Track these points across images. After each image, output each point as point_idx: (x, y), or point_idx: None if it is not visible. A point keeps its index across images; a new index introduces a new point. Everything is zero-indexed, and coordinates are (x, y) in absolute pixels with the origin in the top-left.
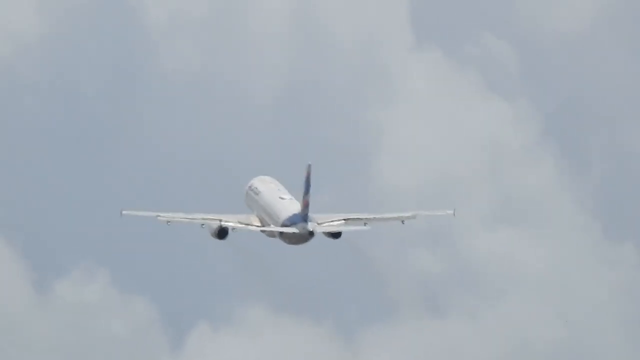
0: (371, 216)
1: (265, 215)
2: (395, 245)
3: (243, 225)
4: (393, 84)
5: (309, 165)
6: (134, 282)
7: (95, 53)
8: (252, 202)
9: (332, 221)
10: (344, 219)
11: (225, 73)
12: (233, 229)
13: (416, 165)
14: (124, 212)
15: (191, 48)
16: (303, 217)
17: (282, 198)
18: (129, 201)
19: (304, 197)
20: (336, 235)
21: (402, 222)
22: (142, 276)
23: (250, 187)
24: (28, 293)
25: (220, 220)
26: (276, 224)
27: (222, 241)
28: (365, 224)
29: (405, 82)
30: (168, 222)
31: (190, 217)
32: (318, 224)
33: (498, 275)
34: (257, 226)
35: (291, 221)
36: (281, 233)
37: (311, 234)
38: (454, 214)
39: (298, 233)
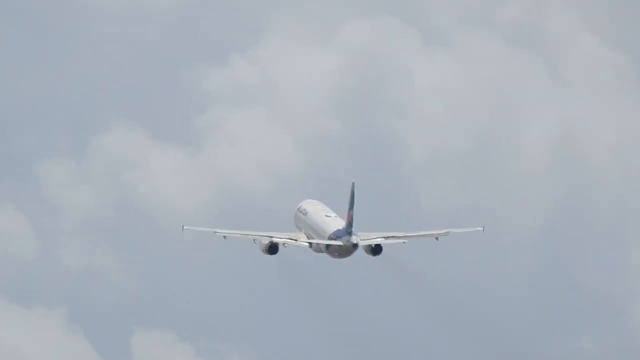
0: (408, 234)
1: (313, 232)
2: None
3: (292, 241)
4: None
5: (353, 184)
6: None
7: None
8: (300, 222)
9: (372, 238)
10: (384, 237)
11: (486, 209)
12: (284, 244)
13: None
14: (185, 227)
15: (453, 185)
16: (347, 231)
17: (327, 216)
18: None
19: (348, 212)
20: (376, 250)
21: (436, 238)
22: None
23: (298, 209)
24: None
25: (271, 237)
26: (322, 239)
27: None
28: (404, 242)
29: None
30: (224, 237)
31: (244, 233)
32: (361, 239)
33: None
34: (305, 241)
35: (336, 235)
36: (327, 246)
37: (355, 246)
38: (483, 231)
39: (342, 246)
